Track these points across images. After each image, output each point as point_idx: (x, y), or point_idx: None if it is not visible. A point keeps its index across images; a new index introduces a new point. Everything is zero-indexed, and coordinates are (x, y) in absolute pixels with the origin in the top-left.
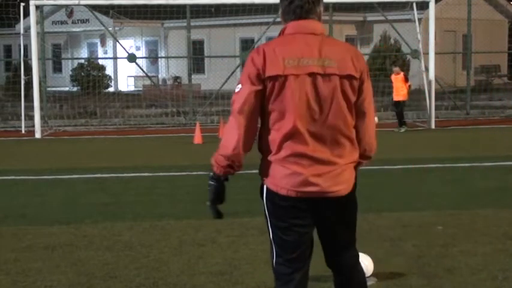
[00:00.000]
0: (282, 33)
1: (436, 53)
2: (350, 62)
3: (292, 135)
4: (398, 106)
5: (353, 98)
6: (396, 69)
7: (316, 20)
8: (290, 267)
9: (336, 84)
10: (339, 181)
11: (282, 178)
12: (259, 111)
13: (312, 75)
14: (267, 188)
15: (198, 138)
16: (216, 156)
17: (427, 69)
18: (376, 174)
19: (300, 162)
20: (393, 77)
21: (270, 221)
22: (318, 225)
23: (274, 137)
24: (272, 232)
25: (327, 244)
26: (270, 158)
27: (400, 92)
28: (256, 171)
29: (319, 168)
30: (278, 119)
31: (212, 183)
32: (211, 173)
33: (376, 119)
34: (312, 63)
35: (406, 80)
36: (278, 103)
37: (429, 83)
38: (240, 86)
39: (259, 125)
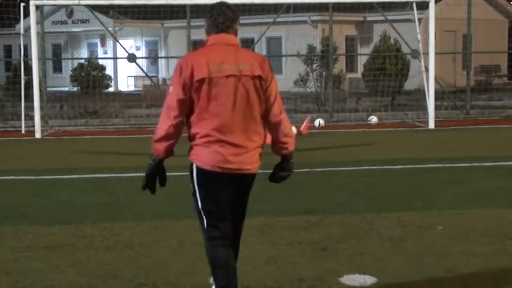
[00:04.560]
0: (205, 43)
1: (436, 53)
2: (258, 66)
3: None
4: None
5: (262, 95)
6: None
7: (232, 34)
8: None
9: (249, 83)
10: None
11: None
12: None
13: (230, 77)
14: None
15: None
16: None
17: (427, 69)
18: (376, 174)
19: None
20: None
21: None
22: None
23: None
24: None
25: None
26: None
27: None
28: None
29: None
30: None
31: None
32: None
33: (375, 119)
34: (229, 67)
35: None
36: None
37: (429, 83)
38: None
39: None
